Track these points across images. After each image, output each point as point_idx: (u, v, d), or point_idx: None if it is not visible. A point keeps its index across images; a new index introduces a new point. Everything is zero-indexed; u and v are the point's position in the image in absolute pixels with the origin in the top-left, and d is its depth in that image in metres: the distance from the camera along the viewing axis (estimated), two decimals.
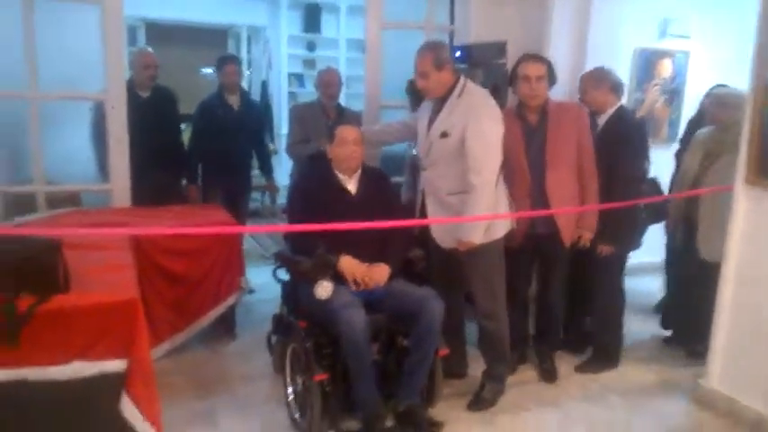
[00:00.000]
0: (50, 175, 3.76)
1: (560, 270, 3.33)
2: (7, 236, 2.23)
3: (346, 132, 2.90)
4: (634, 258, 3.57)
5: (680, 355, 3.68)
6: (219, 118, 4.32)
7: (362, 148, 2.94)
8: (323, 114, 4.04)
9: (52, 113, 3.97)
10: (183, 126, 4.79)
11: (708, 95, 3.87)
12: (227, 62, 4.43)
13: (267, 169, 4.83)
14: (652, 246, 3.82)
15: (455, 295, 3.16)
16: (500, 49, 4.11)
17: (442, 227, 2.98)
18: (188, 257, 3.36)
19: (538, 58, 3.13)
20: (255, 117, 4.73)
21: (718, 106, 3.47)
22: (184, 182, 4.48)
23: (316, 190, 2.92)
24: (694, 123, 4.15)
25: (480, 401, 3.05)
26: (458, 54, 4.13)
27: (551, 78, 3.09)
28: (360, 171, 2.96)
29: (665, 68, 5.07)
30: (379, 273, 2.79)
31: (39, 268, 2.05)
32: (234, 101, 4.41)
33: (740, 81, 4.16)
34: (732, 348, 3.02)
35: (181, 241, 3.28)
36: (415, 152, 3.45)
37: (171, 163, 4.32)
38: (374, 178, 3.04)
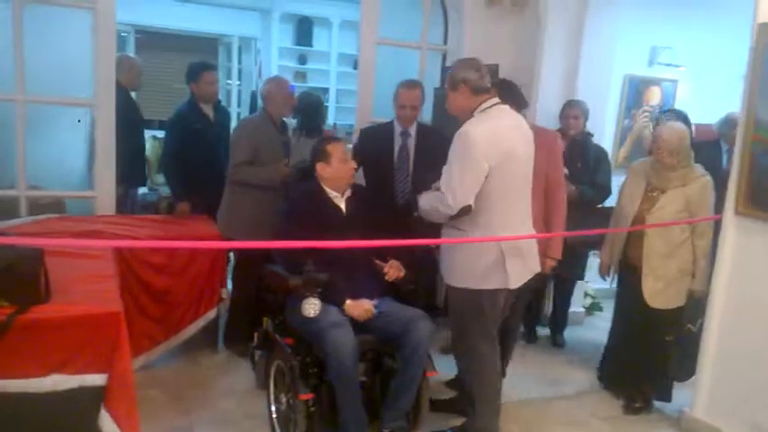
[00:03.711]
0: (36, 180, 3.68)
1: (523, 297, 3.15)
2: None
3: (342, 148, 2.88)
4: None
5: None
6: (198, 130, 3.88)
7: None
8: (275, 130, 3.61)
9: (39, 119, 3.89)
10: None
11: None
12: (207, 69, 3.94)
13: None
14: None
15: None
16: (492, 71, 4.09)
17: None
18: (171, 270, 3.29)
19: None
20: (229, 127, 4.38)
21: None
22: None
23: (307, 211, 2.84)
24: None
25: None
26: None
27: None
28: (349, 189, 2.94)
29: (654, 96, 5.13)
30: None
31: (19, 277, 1.99)
32: (209, 111, 3.99)
33: (725, 108, 4.25)
34: (717, 378, 3.02)
35: (164, 254, 3.23)
36: None
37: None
38: (362, 196, 3.01)
